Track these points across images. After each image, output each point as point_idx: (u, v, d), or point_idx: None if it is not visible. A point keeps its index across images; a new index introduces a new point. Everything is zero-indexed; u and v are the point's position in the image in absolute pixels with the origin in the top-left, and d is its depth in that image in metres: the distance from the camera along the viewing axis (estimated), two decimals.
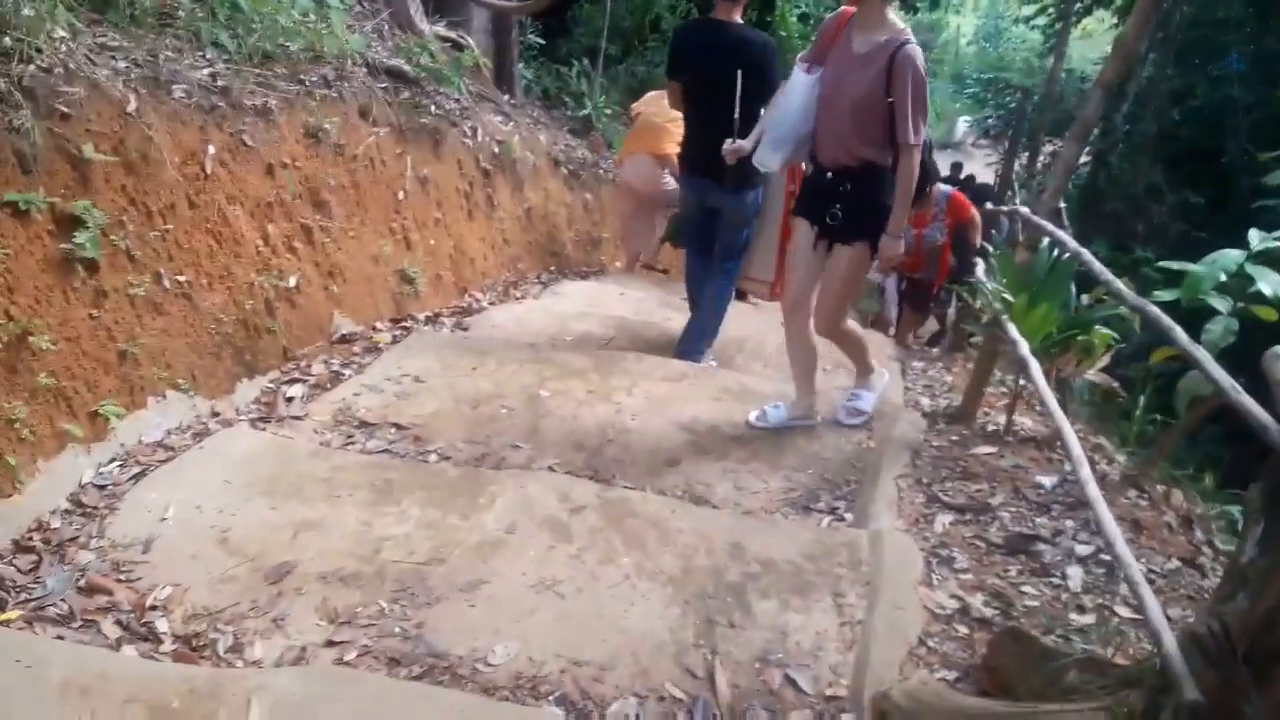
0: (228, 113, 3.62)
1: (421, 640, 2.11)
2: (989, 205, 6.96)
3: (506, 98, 7.27)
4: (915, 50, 3.12)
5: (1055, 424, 2.53)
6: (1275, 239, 3.16)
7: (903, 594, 2.42)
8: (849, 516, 2.98)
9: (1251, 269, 3.02)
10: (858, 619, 2.32)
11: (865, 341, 3.79)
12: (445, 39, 6.65)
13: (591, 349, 4.42)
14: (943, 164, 13.44)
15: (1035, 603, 2.47)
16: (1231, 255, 3.09)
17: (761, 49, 4.14)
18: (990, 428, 3.80)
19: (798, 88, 3.36)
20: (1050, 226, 3.29)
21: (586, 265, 7.28)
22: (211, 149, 3.44)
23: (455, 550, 2.44)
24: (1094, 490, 2.00)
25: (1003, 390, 4.24)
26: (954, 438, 3.60)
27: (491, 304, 5.21)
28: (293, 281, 3.75)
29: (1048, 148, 15.30)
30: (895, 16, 3.27)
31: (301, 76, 4.26)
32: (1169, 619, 1.62)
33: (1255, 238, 3.17)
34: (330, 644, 2.07)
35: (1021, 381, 3.82)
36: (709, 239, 4.37)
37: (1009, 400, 3.74)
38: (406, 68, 5.20)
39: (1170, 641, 1.35)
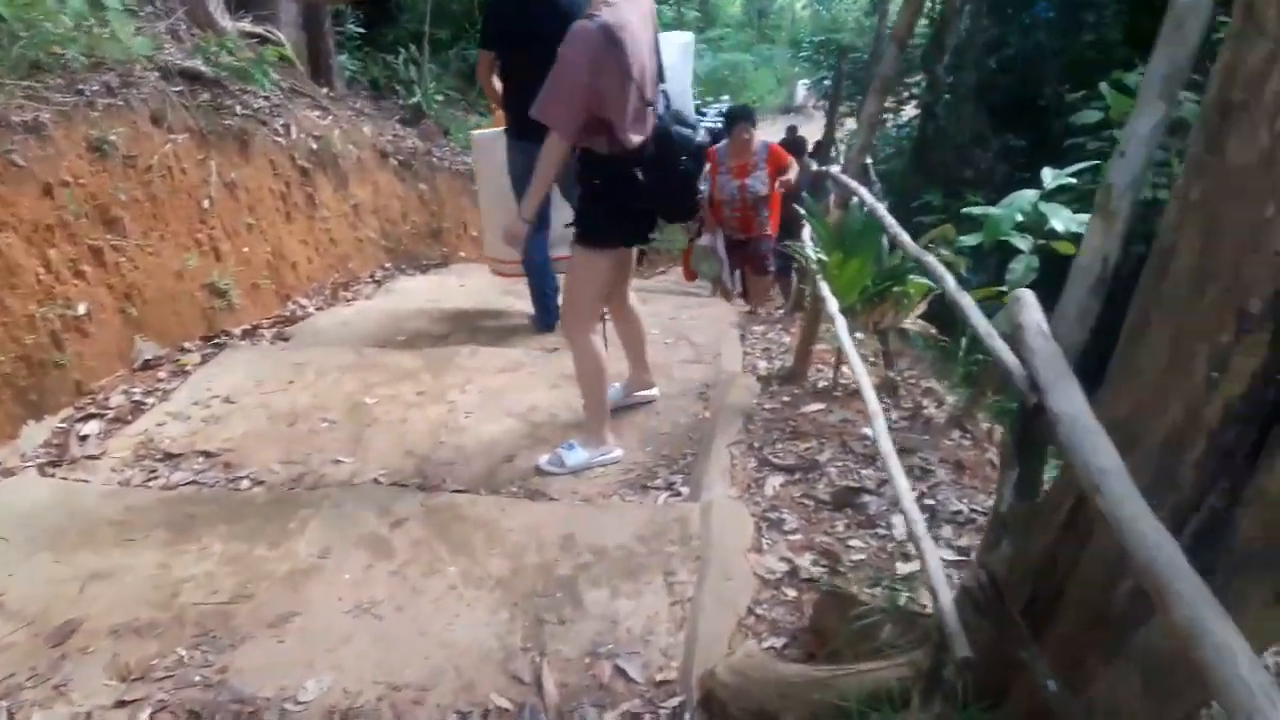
0: None
1: (225, 686, 1.97)
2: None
3: (325, 91, 6.98)
4: (587, 27, 2.65)
5: (856, 378, 2.54)
6: (1067, 176, 3.28)
7: (732, 563, 2.41)
8: (685, 491, 2.97)
9: (1044, 207, 3.13)
10: (688, 596, 2.30)
11: (603, 389, 3.20)
12: (251, 35, 6.31)
13: (426, 346, 4.28)
14: (784, 127, 13.68)
15: (862, 555, 2.50)
16: (1027, 195, 3.20)
17: (575, 7, 3.84)
18: (821, 384, 3.85)
19: None
20: (853, 184, 3.33)
21: (427, 258, 7.07)
22: None
23: (263, 584, 2.30)
24: (886, 444, 2.01)
25: (835, 347, 4.32)
26: (786, 398, 3.63)
27: (319, 309, 4.99)
28: (83, 309, 3.48)
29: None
30: None
31: (80, 86, 3.94)
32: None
33: (1048, 176, 3.28)
34: (121, 704, 1.91)
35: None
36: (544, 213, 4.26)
37: (835, 357, 3.79)
38: (204, 68, 4.89)
39: (945, 597, 1.36)
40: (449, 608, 2.24)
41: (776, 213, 6.46)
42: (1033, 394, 1.13)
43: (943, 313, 4.67)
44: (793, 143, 7.58)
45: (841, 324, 2.95)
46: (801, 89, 29.95)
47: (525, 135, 4.03)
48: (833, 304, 3.06)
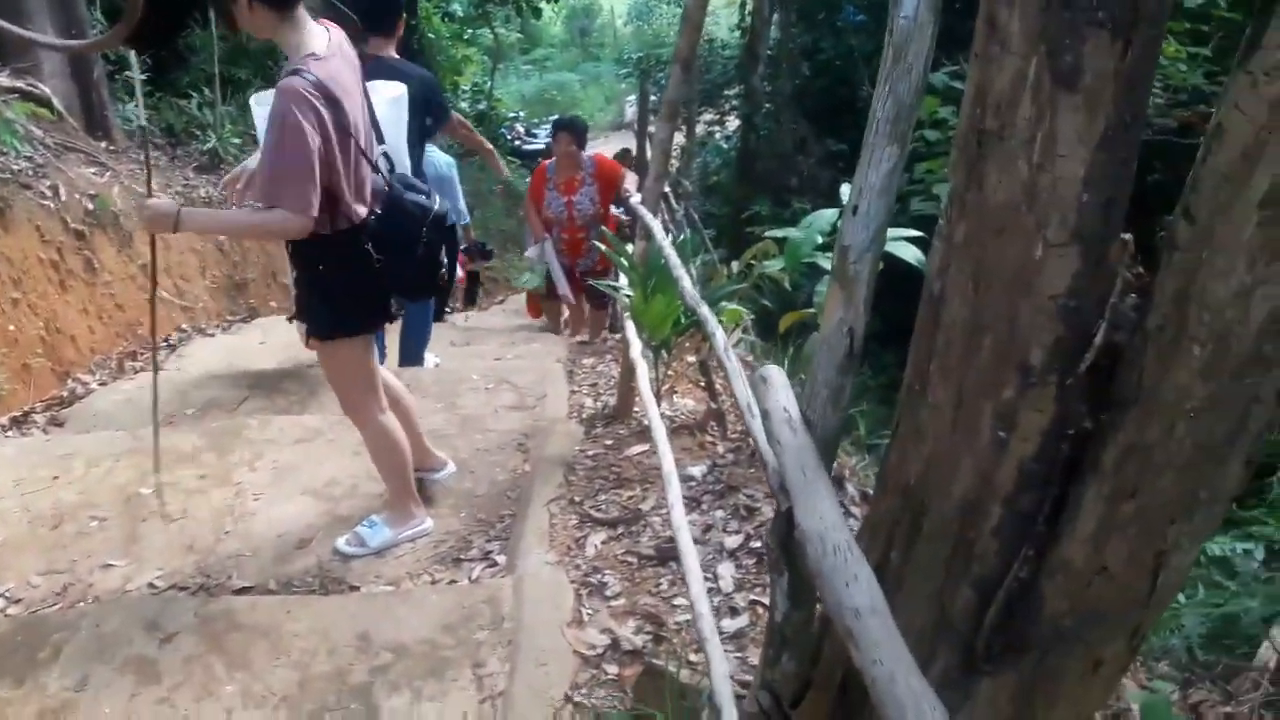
0: None
1: None
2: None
3: (104, 145, 6.43)
4: (298, 84, 2.25)
5: (650, 420, 2.41)
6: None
7: (548, 644, 2.22)
8: (502, 559, 2.77)
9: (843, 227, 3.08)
10: (499, 689, 2.09)
11: (404, 463, 2.87)
12: (9, 90, 5.74)
13: (219, 416, 3.92)
14: (618, 144, 13.60)
15: (688, 615, 2.36)
16: (826, 215, 3.15)
17: (425, 86, 4.19)
18: (646, 421, 3.72)
19: None
20: (647, 216, 3.21)
21: (231, 313, 6.61)
22: None
23: None
24: (674, 493, 1.87)
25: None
26: (609, 441, 3.48)
27: (102, 384, 4.53)
28: None
29: (706, 117, 16.02)
30: (303, 34, 2.37)
31: None
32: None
33: (846, 191, 3.25)
34: None
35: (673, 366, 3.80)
36: None
37: (656, 391, 3.67)
38: None
39: (730, 715, 1.20)
40: None
41: (609, 227, 6.17)
42: (784, 497, 0.99)
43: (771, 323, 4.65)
44: (621, 161, 7.43)
45: (643, 373, 2.81)
46: (629, 106, 30.24)
47: None
48: (635, 348, 2.93)
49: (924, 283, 1.25)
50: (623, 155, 7.92)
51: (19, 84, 5.85)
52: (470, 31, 16.89)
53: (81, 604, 2.57)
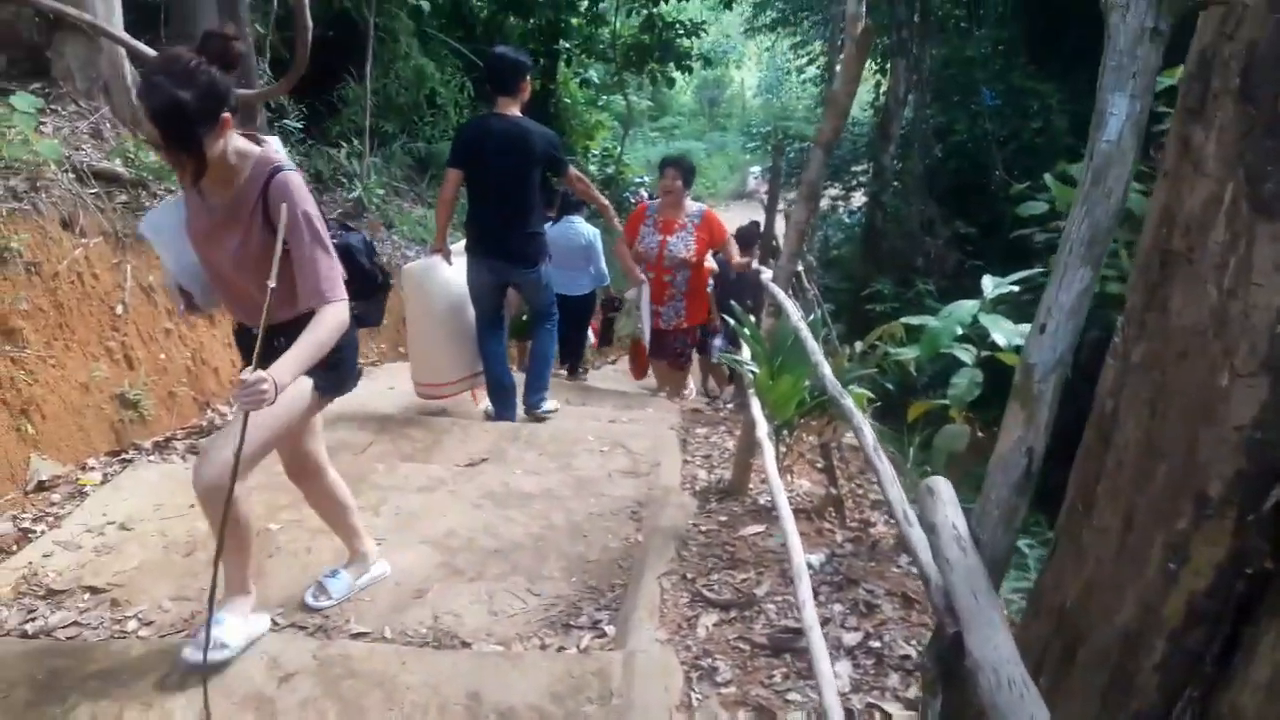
0: None
1: None
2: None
3: None
4: (293, 177, 2.31)
5: (778, 506, 2.37)
6: (1008, 285, 3.18)
7: None
8: (611, 630, 2.75)
9: (985, 319, 3.01)
10: None
11: (347, 510, 2.87)
12: None
13: (346, 458, 4.06)
14: (742, 216, 13.66)
15: (800, 714, 2.30)
16: (966, 306, 3.08)
17: (544, 139, 4.71)
18: (763, 499, 3.68)
19: None
20: (780, 295, 3.21)
21: (363, 357, 6.85)
22: None
23: None
24: (804, 591, 1.83)
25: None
26: (724, 518, 3.45)
27: None
28: None
29: (831, 192, 16.01)
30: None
31: None
32: None
33: (989, 285, 3.17)
34: None
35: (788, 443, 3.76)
36: (500, 314, 5.02)
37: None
38: (121, 169, 4.72)
39: None
40: None
41: (702, 299, 6.12)
42: (950, 619, 0.96)
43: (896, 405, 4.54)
44: (746, 234, 7.41)
45: (769, 454, 2.79)
46: (751, 177, 30.49)
47: (488, 254, 4.79)
48: (761, 427, 2.90)
49: (1094, 401, 1.21)
50: (749, 229, 7.90)
51: None
52: (604, 98, 17.38)
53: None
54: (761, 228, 10.35)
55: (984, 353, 3.11)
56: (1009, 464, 1.03)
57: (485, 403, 5.18)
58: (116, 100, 5.45)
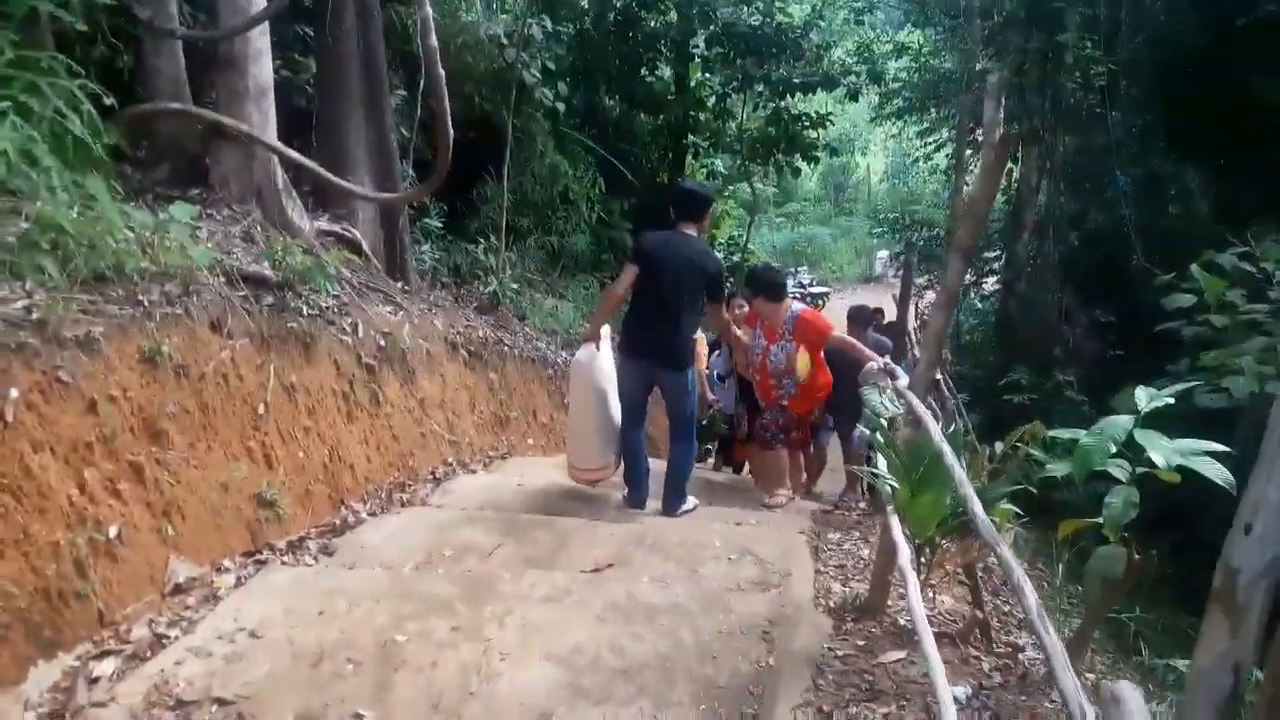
0: (40, 348, 3.28)
1: None
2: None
3: (400, 285, 7.07)
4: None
5: (920, 637, 2.18)
6: (1166, 398, 2.95)
7: None
8: None
9: (1141, 436, 2.78)
10: None
11: None
12: (329, 233, 6.47)
13: (471, 563, 4.04)
14: (872, 299, 13.44)
15: None
16: (1120, 422, 2.86)
17: (716, 266, 5.29)
18: (903, 620, 3.46)
19: None
20: (919, 407, 3.04)
21: (493, 449, 6.94)
22: (14, 392, 3.08)
23: None
24: None
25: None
26: (861, 641, 3.24)
27: (372, 514, 4.81)
28: (114, 531, 3.33)
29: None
30: None
31: (140, 296, 3.96)
32: None
33: (1143, 398, 2.95)
34: None
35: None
36: (644, 409, 5.43)
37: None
38: (268, 272, 4.93)
39: None
40: None
41: (814, 396, 5.99)
42: None
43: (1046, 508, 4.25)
44: (856, 314, 7.35)
45: (913, 582, 2.60)
46: (880, 260, 30.18)
47: (642, 354, 5.20)
48: (904, 553, 2.72)
49: None
50: (859, 310, 7.76)
51: (336, 228, 6.58)
52: (731, 188, 17.56)
53: None
54: (878, 312, 10.12)
55: (1140, 469, 2.87)
56: (1211, 681, 0.88)
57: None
58: (267, 205, 5.74)
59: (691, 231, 5.20)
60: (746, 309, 6.22)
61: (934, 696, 2.74)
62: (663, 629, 3.37)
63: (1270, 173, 10.11)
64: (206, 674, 2.99)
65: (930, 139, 19.31)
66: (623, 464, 5.47)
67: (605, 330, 5.49)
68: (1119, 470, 2.87)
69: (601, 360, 5.32)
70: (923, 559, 3.23)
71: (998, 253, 15.39)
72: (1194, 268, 7.10)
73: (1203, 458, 2.60)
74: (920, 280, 15.63)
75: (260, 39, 5.58)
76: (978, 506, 2.17)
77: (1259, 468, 0.89)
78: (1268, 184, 10.34)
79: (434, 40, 5.58)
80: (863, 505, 6.37)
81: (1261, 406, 6.44)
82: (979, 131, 16.48)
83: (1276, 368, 6.16)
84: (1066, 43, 11.58)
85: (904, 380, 3.56)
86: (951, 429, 3.08)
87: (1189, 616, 6.51)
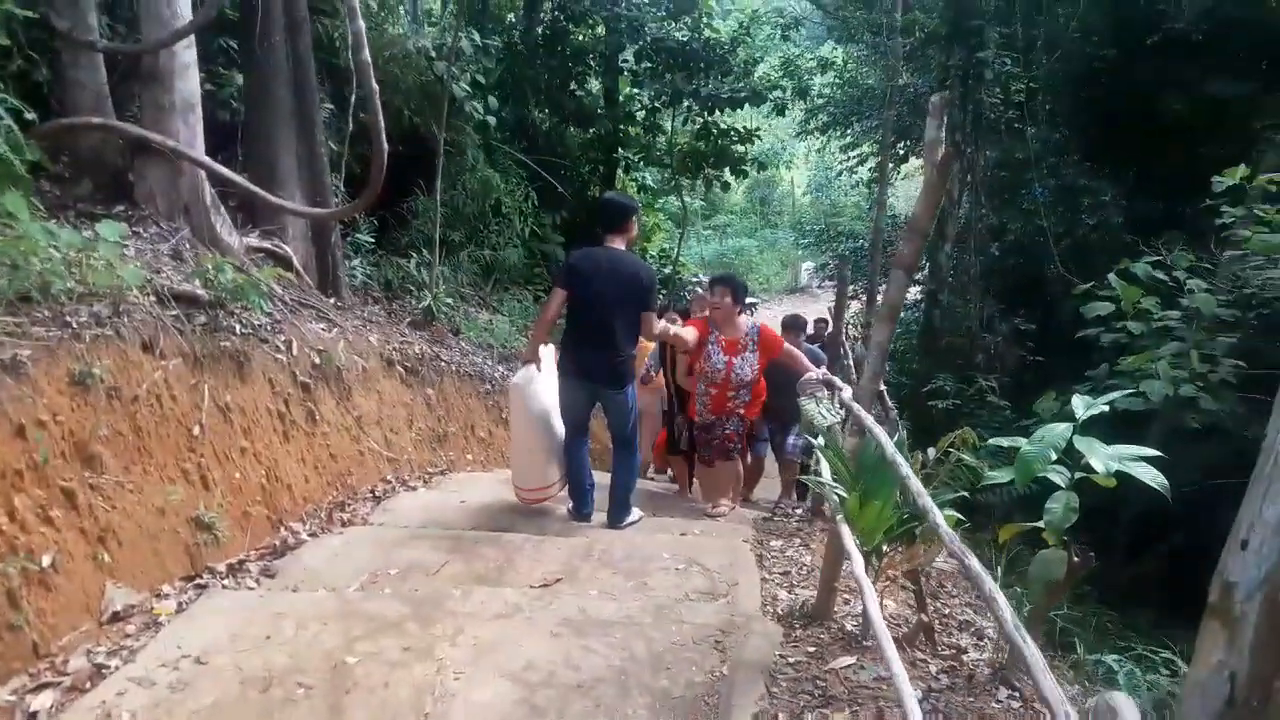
0: None
1: None
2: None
3: (333, 301, 6.96)
4: None
5: (882, 646, 2.24)
6: (1101, 405, 3.07)
7: None
8: None
9: (1080, 444, 2.90)
10: None
11: None
12: (259, 250, 6.35)
13: (418, 581, 3.99)
14: (797, 309, 13.67)
15: None
16: (1059, 430, 2.97)
17: (648, 276, 5.30)
18: (850, 625, 3.53)
19: None
20: (867, 418, 3.12)
21: (432, 465, 6.87)
22: None
23: None
24: None
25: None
26: (811, 648, 3.30)
27: (312, 535, 4.72)
28: (48, 560, 3.21)
29: (884, 287, 15.96)
30: None
31: (68, 318, 3.84)
32: None
33: (1079, 406, 3.06)
34: None
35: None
36: (586, 425, 5.47)
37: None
38: (200, 291, 4.81)
39: None
40: None
41: (760, 401, 6.12)
42: None
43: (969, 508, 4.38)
44: (791, 322, 7.55)
45: (869, 590, 2.66)
46: (805, 271, 30.65)
47: (581, 375, 5.19)
48: (858, 564, 2.79)
49: None
50: (792, 318, 7.93)
51: (267, 244, 6.46)
52: (660, 200, 17.68)
53: None
54: (821, 322, 10.26)
55: (1078, 475, 2.99)
56: (1207, 690, 0.93)
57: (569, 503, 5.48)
58: (196, 221, 5.61)
59: (619, 244, 5.22)
60: (721, 304, 5.87)
61: (894, 703, 2.83)
62: (615, 642, 3.38)
63: (1178, 184, 10.58)
64: (151, 704, 2.91)
65: (853, 153, 19.69)
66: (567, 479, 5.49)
67: (548, 350, 5.50)
68: (1058, 476, 2.99)
69: (540, 382, 5.33)
70: (871, 565, 3.29)
71: (922, 263, 15.76)
72: (1111, 276, 7.40)
73: (1138, 463, 2.72)
74: (830, 289, 16.00)
75: (186, 52, 5.47)
76: (939, 517, 2.23)
77: (1254, 486, 0.95)
78: (1176, 195, 10.83)
79: (366, 55, 5.52)
80: (799, 511, 6.47)
81: (1174, 410, 6.74)
82: (899, 145, 16.93)
83: (1189, 372, 6.45)
84: (986, 59, 11.95)
85: (847, 392, 3.64)
86: (896, 438, 3.15)
87: (1110, 611, 6.77)
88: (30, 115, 4.38)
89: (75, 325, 3.80)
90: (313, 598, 3.75)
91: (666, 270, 16.05)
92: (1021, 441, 3.02)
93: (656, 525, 5.43)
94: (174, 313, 4.49)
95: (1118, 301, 7.30)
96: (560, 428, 5.40)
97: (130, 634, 3.37)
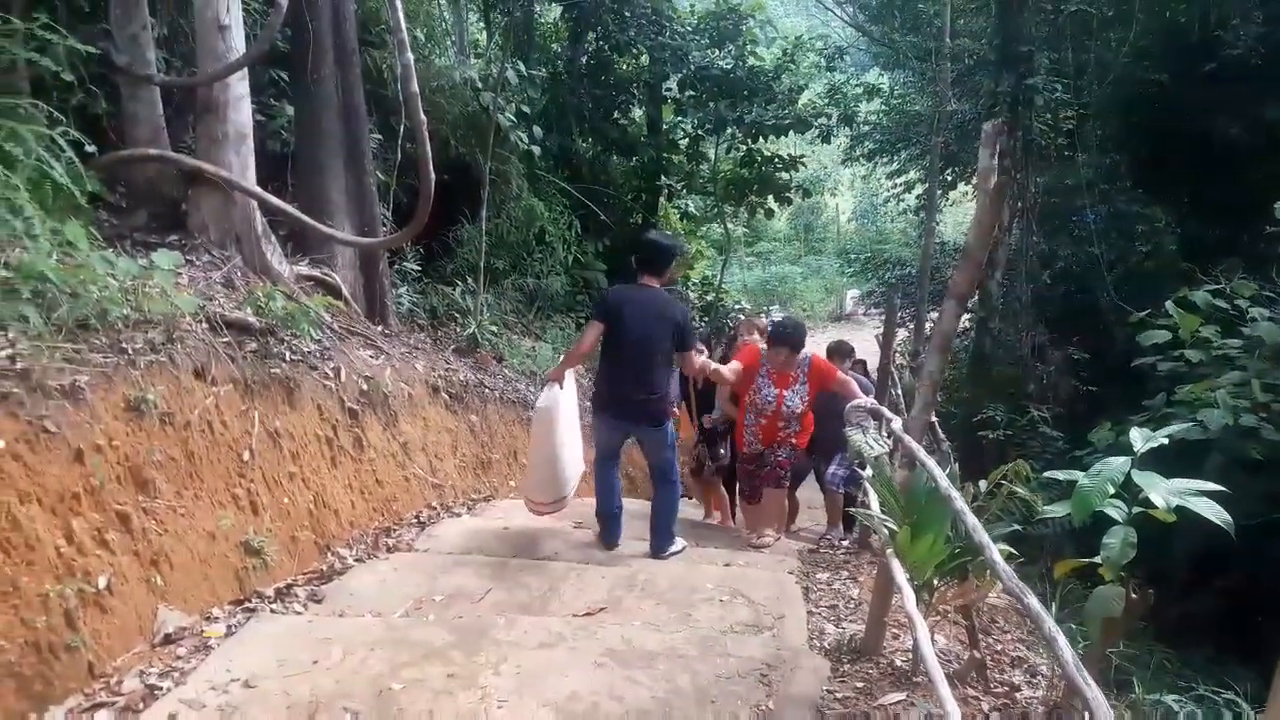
0: (25, 397, 3.24)
1: None
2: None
3: (380, 329, 7.05)
4: None
5: (929, 675, 2.19)
6: (1161, 438, 2.99)
7: None
8: None
9: (1139, 478, 2.83)
10: None
11: None
12: (308, 278, 6.45)
13: (463, 608, 3.99)
14: (835, 334, 13.60)
15: None
16: (1116, 464, 2.90)
17: (682, 315, 5.26)
18: (899, 660, 3.46)
19: None
20: (919, 451, 3.07)
21: (476, 492, 6.90)
22: (0, 443, 3.04)
23: None
24: None
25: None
26: (859, 683, 3.24)
27: (358, 560, 4.75)
28: (103, 582, 3.27)
29: (935, 315, 15.80)
30: None
31: (124, 345, 3.92)
32: None
33: (1138, 438, 2.99)
34: None
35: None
36: (619, 456, 5.45)
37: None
38: (252, 319, 4.90)
39: None
40: None
41: (808, 429, 6.08)
42: None
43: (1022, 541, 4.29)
44: (838, 349, 7.43)
45: (921, 627, 2.61)
46: (849, 299, 30.49)
47: (617, 414, 5.22)
48: (910, 599, 2.73)
49: None
50: (839, 345, 7.81)
51: (316, 273, 6.56)
52: (703, 228, 17.71)
53: None
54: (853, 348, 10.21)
55: (1136, 509, 2.91)
56: None
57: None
58: (247, 250, 5.72)
59: (654, 284, 5.21)
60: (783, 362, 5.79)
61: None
62: (660, 674, 3.34)
63: (1233, 210, 10.38)
64: None
65: (900, 180, 19.60)
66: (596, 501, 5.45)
67: (570, 373, 5.49)
68: (1116, 511, 2.91)
69: (562, 401, 5.29)
70: (921, 600, 3.23)
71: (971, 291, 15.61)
72: (1169, 305, 7.28)
73: (1200, 498, 2.65)
74: (874, 318, 15.88)
75: (239, 85, 5.60)
76: (995, 553, 2.18)
77: None
78: (1231, 221, 10.62)
79: (415, 87, 5.60)
80: (845, 543, 6.38)
81: (1234, 440, 6.57)
82: (947, 171, 16.82)
83: (1250, 401, 6.30)
84: (1036, 85, 11.86)
85: (897, 422, 3.59)
86: (948, 471, 3.10)
87: (1165, 648, 6.58)
88: (90, 147, 4.50)
89: (131, 352, 3.88)
90: (359, 623, 3.77)
91: (709, 297, 16.05)
92: (1077, 474, 2.96)
93: (700, 556, 5.39)
94: (226, 340, 4.56)
95: (1175, 329, 7.17)
96: (577, 446, 5.44)
97: (181, 656, 3.41)
